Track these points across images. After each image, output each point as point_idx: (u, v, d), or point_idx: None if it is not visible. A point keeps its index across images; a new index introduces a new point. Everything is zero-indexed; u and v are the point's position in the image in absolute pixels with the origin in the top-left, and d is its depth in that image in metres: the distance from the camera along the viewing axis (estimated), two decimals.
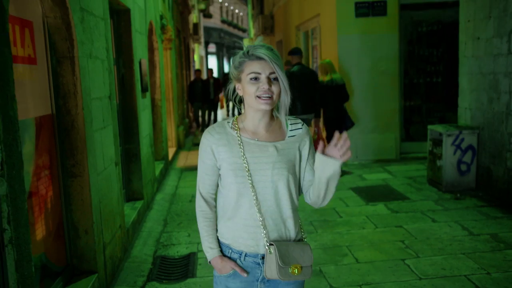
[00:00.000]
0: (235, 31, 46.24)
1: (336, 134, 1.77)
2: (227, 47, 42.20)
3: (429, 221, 5.20)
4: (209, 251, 1.99)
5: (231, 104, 14.44)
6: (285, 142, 1.96)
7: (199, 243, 4.78)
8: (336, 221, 5.36)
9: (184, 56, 14.99)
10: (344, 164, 7.48)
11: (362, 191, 6.50)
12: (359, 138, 8.19)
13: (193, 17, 22.52)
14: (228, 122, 2.00)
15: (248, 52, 1.87)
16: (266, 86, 1.83)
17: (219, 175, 1.99)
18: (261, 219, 1.90)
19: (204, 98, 13.75)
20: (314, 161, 1.90)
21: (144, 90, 6.22)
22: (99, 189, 3.78)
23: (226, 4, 42.90)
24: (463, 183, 6.24)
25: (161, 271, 4.25)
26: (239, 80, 1.92)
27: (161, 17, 8.66)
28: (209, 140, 1.95)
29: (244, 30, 47.30)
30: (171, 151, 9.62)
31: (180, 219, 5.73)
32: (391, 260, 4.24)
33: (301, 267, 1.89)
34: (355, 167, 7.97)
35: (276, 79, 1.85)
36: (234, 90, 1.98)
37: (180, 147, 11.02)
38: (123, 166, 5.46)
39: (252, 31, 25.25)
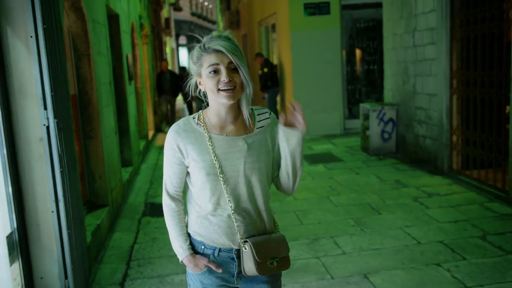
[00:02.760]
0: (205, 23, 47.36)
1: (291, 104, 1.82)
2: (197, 39, 43.37)
3: (354, 174, 6.87)
4: (180, 250, 1.94)
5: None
6: (254, 134, 1.90)
7: None
8: None
9: (157, 49, 16.36)
10: None
11: (308, 157, 8.14)
12: (310, 117, 9.81)
13: (165, 11, 23.81)
14: (193, 118, 1.92)
15: (204, 45, 1.81)
16: (226, 79, 1.76)
17: (188, 173, 1.93)
18: (234, 215, 1.87)
19: (174, 91, 12.42)
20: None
21: (130, 78, 7.69)
22: (107, 149, 5.27)
23: None
24: (386, 148, 7.94)
25: (151, 211, 5.77)
26: (199, 75, 1.85)
27: (140, 17, 10.10)
28: (175, 138, 1.88)
29: (214, 22, 48.42)
30: (150, 133, 11.08)
31: (161, 176, 7.26)
32: (320, 197, 5.87)
33: (279, 259, 1.89)
34: (306, 141, 9.59)
35: (236, 69, 1.79)
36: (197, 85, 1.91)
37: (158, 130, 12.47)
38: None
39: (221, 24, 26.62)
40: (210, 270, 1.91)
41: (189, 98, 10.96)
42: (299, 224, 4.99)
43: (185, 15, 39.90)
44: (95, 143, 5.01)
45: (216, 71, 1.78)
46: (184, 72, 17.86)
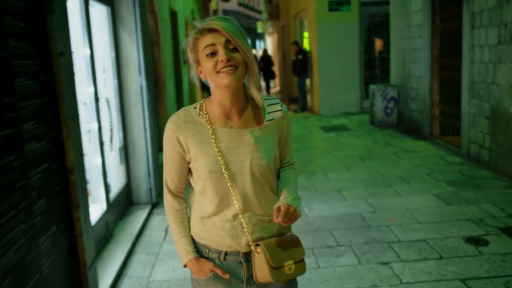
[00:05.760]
0: (252, 13, 49.35)
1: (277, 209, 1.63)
2: (244, 28, 45.45)
3: (356, 139, 8.76)
4: (184, 253, 1.74)
5: None
6: (264, 127, 1.70)
7: None
8: (305, 138, 8.96)
9: None
10: (323, 117, 11.16)
11: (325, 128, 10.06)
12: (332, 97, 11.70)
13: (213, 3, 25.98)
14: (195, 108, 1.70)
15: (199, 29, 1.62)
16: (224, 57, 1.56)
17: (189, 169, 1.72)
18: (241, 215, 1.67)
19: None
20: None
21: (184, 62, 9.83)
22: (169, 110, 7.39)
23: None
24: (388, 121, 9.73)
25: None
26: (198, 62, 1.64)
27: (192, 12, 12.23)
28: (174, 131, 1.66)
29: (260, 12, 50.35)
30: None
31: None
32: (325, 152, 7.82)
33: (294, 263, 1.70)
34: (328, 117, 11.49)
35: (236, 49, 1.58)
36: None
37: None
38: None
39: (265, 15, 28.54)
40: (216, 276, 1.73)
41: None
42: (304, 166, 6.96)
43: (232, 5, 42.04)
44: (161, 105, 7.14)
45: (213, 53, 1.59)
46: None
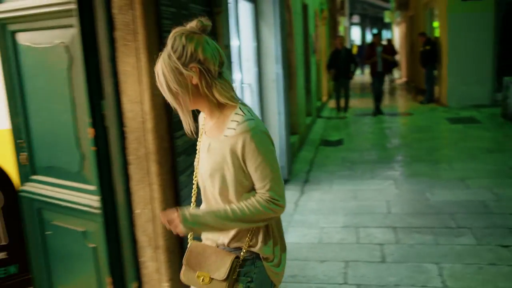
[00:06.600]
0: (379, 2, 48.16)
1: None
2: (370, 18, 44.74)
3: (485, 131, 8.59)
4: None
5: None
6: (218, 141, 1.63)
7: (344, 137, 8.85)
8: (430, 129, 9.02)
9: (332, 29, 18.83)
10: (450, 109, 11.05)
11: (452, 119, 9.93)
12: (462, 89, 11.41)
13: None
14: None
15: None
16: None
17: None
18: None
19: (348, 68, 11.43)
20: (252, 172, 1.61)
21: (314, 52, 10.33)
22: (299, 98, 7.96)
23: None
24: None
25: (325, 143, 8.37)
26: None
27: (321, 4, 12.67)
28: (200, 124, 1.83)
29: (387, 1, 49.00)
30: (324, 98, 13.71)
31: (332, 128, 9.83)
32: (450, 143, 7.87)
33: (211, 278, 1.65)
34: (456, 109, 11.25)
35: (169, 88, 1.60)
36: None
37: (330, 97, 15.06)
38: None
39: (393, 5, 27.92)
40: None
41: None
42: (428, 155, 7.10)
43: None
44: (292, 92, 7.71)
45: None
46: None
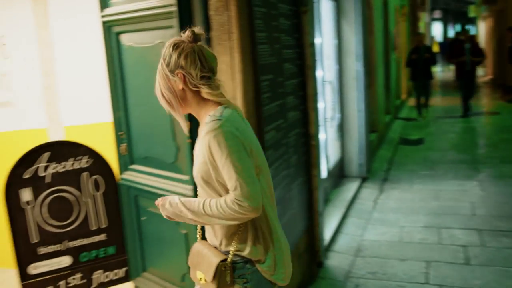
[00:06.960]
0: None
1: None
2: (452, 12, 42.72)
3: None
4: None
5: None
6: (199, 142, 1.70)
7: (425, 136, 8.60)
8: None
9: (412, 25, 18.26)
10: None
11: None
12: None
13: None
14: None
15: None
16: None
17: None
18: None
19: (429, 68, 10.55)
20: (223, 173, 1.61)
21: (394, 49, 10.12)
22: (378, 96, 7.85)
23: None
24: None
25: (404, 142, 8.20)
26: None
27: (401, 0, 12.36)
28: None
29: None
30: (403, 96, 13.37)
31: (412, 126, 9.60)
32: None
33: (205, 280, 1.71)
34: None
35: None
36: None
37: (409, 95, 14.65)
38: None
39: None
40: None
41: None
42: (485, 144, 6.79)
43: None
44: (372, 90, 7.62)
45: None
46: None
